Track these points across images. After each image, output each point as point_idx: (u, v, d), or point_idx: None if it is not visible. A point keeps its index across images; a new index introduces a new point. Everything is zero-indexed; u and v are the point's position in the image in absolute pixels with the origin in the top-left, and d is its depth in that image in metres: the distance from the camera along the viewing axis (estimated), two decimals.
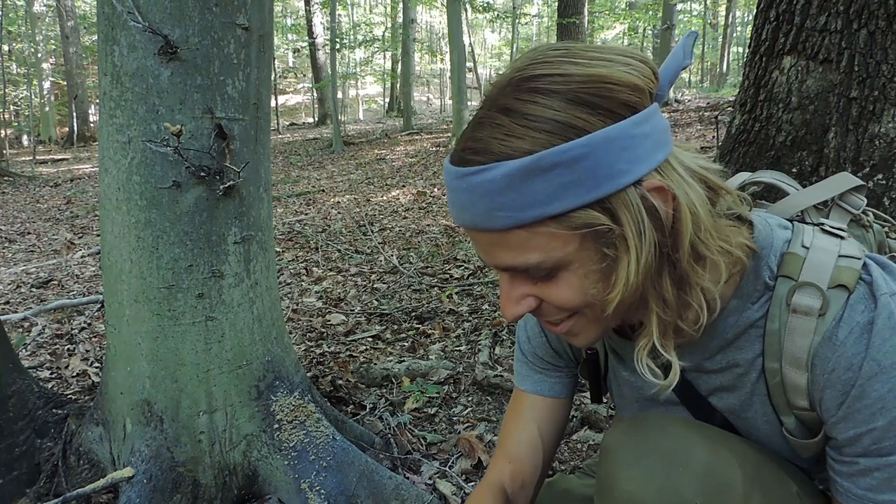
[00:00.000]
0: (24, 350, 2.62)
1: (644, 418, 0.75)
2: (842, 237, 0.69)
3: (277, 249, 4.58)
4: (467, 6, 15.01)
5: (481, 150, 0.59)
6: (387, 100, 24.28)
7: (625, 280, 0.59)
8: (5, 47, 18.48)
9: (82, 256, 4.71)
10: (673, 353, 0.64)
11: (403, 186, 7.62)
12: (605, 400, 1.00)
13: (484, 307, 3.05)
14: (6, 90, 13.48)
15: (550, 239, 0.59)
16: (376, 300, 3.34)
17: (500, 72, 0.64)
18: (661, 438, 0.70)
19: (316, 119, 19.20)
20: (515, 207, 0.58)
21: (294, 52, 27.57)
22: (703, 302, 0.64)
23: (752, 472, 0.68)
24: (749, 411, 0.74)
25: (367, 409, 1.97)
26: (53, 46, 21.08)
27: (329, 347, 2.63)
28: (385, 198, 6.98)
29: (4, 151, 12.02)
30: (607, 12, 20.66)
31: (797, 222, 0.73)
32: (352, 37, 18.03)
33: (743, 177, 0.88)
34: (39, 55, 19.19)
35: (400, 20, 17.27)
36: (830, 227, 0.71)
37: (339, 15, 20.35)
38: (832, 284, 0.64)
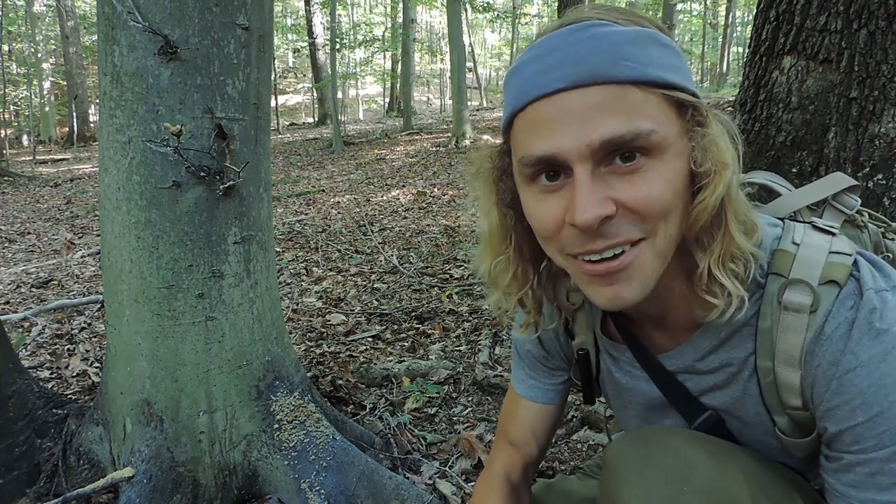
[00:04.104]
0: (24, 350, 2.62)
1: (648, 432, 0.75)
2: (833, 234, 0.69)
3: (277, 249, 4.58)
4: (467, 6, 15.01)
5: (602, 18, 0.61)
6: (387, 100, 24.27)
7: (713, 189, 0.60)
8: (5, 47, 18.48)
9: (82, 256, 4.71)
10: (729, 279, 0.63)
11: (403, 186, 7.62)
12: (598, 402, 1.00)
13: (484, 307, 3.05)
14: (6, 90, 13.47)
15: (660, 111, 0.60)
16: (376, 300, 3.34)
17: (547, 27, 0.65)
18: (666, 454, 0.69)
19: (316, 119, 19.19)
20: (641, 62, 0.59)
21: (294, 52, 27.57)
22: (747, 249, 0.64)
23: (758, 488, 0.67)
24: (741, 410, 0.73)
25: (367, 409, 1.97)
26: (53, 46, 21.06)
27: (329, 347, 2.63)
28: (385, 198, 6.98)
29: (4, 151, 12.01)
30: None
31: (788, 220, 0.73)
32: (352, 37, 18.03)
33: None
34: (39, 55, 19.18)
35: (400, 20, 17.27)
36: (821, 224, 0.70)
37: (339, 15, 20.35)
38: (823, 281, 0.64)
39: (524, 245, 0.74)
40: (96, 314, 3.11)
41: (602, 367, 0.90)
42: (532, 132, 0.61)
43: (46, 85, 19.96)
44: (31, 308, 3.25)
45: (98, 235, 5.00)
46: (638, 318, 0.79)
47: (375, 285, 3.62)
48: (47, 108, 19.84)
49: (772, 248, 0.68)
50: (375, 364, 2.37)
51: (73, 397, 2.05)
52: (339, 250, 4.58)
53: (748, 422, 0.74)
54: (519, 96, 0.63)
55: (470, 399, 2.12)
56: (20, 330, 2.93)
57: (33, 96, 18.74)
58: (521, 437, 0.98)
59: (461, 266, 3.92)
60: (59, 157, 14.38)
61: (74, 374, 2.37)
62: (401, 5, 16.50)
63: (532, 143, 0.61)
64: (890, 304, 0.60)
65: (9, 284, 3.91)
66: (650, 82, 0.59)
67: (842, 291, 0.63)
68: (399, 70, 18.00)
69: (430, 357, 2.48)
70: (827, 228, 0.69)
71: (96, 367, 2.42)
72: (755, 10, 1.82)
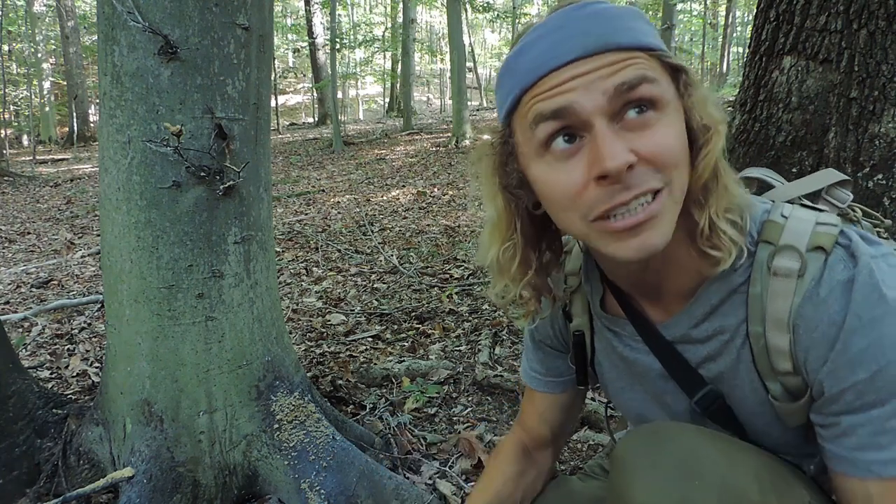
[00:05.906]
0: (24, 350, 2.62)
1: (657, 427, 0.75)
2: (820, 210, 0.72)
3: (277, 249, 4.58)
4: (467, 6, 15.01)
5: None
6: (387, 100, 24.25)
7: (715, 142, 0.65)
8: (5, 47, 18.48)
9: (82, 256, 4.71)
10: (730, 226, 0.67)
11: (403, 186, 7.62)
12: (598, 402, 1.02)
13: (484, 307, 3.05)
14: (6, 90, 13.47)
15: (660, 72, 0.66)
16: (376, 300, 3.34)
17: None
18: (676, 449, 0.69)
19: (316, 119, 19.18)
20: (640, 32, 0.65)
21: (294, 52, 27.57)
22: (741, 198, 0.68)
23: (767, 483, 0.68)
24: (736, 379, 0.75)
25: (367, 409, 1.97)
26: (53, 46, 21.06)
27: (329, 347, 2.63)
28: (385, 198, 6.98)
29: (4, 151, 12.00)
30: None
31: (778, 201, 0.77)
32: (352, 37, 18.02)
33: None
34: (39, 55, 19.17)
35: (400, 20, 17.26)
36: (809, 204, 0.74)
37: (339, 15, 20.32)
38: (810, 247, 0.67)
39: (528, 230, 0.77)
40: (96, 314, 3.11)
41: (598, 349, 0.92)
42: (545, 97, 0.64)
43: (46, 85, 19.96)
44: (31, 308, 3.25)
45: (98, 235, 5.00)
46: (634, 294, 0.82)
47: (375, 285, 3.62)
48: (47, 108, 19.84)
49: (762, 219, 0.72)
50: (375, 364, 2.37)
51: (73, 397, 2.05)
52: (339, 250, 4.58)
53: (743, 391, 0.76)
54: (529, 73, 0.65)
55: (470, 399, 2.12)
56: (20, 330, 2.93)
57: (33, 96, 18.73)
58: (532, 421, 1.07)
59: (461, 266, 3.92)
60: (59, 157, 14.37)
61: (74, 374, 2.37)
62: (401, 5, 16.49)
63: (546, 104, 0.64)
64: (883, 269, 0.64)
65: (9, 284, 3.91)
66: (649, 48, 0.65)
67: (829, 257, 0.66)
68: (399, 70, 17.99)
69: (430, 357, 2.48)
70: (814, 206, 0.74)
71: (96, 367, 2.42)
72: (755, 10, 1.82)
